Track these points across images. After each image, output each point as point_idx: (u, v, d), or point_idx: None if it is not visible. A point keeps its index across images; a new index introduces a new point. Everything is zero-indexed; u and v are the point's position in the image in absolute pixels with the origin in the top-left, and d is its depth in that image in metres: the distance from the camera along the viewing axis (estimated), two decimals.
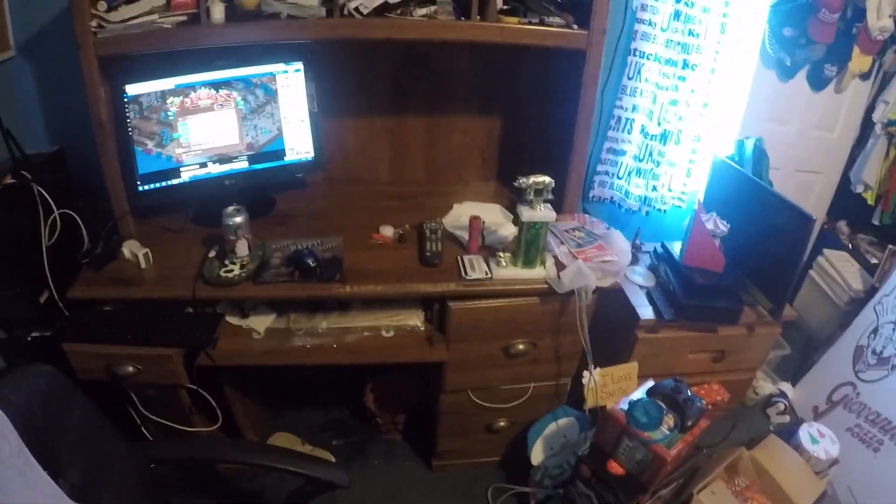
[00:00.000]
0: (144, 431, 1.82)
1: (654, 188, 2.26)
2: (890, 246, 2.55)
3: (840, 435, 2.21)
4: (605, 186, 2.32)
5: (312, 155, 1.99)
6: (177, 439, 1.75)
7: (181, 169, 1.83)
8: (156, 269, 1.70)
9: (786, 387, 2.58)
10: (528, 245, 1.66)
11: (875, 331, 2.37)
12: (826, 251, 2.78)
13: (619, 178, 2.29)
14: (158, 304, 1.66)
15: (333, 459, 2.09)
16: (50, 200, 1.68)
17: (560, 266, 1.68)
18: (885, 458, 2.17)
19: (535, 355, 1.85)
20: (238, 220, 1.66)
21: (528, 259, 1.68)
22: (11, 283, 1.70)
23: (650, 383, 1.70)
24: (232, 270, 1.66)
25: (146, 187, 1.78)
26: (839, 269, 2.68)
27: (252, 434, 2.09)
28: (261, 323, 1.76)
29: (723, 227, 1.99)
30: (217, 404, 1.80)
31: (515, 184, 1.60)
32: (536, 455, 2.01)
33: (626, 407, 1.62)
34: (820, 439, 2.05)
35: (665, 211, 2.32)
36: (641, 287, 2.05)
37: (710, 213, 2.01)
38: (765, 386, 2.57)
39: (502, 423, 2.05)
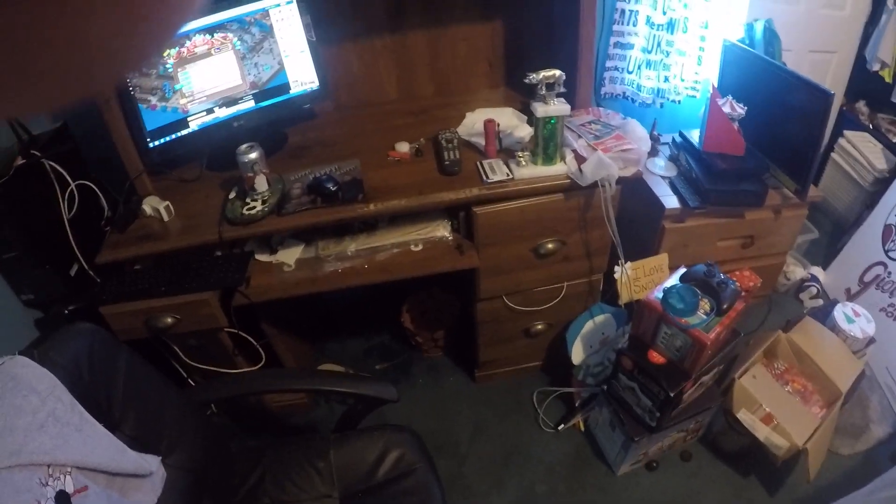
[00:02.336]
0: (191, 382, 1.85)
1: (666, 79, 2.21)
2: None
3: (874, 315, 2.20)
4: (616, 82, 2.27)
5: (317, 84, 1.96)
6: (224, 379, 1.77)
7: (188, 119, 1.81)
8: (179, 220, 1.69)
9: (817, 270, 2.57)
10: (546, 141, 1.63)
11: None
12: (847, 133, 2.73)
13: (629, 72, 2.24)
14: (187, 252, 1.66)
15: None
16: (64, 173, 1.68)
17: (580, 159, 1.65)
18: None
19: (565, 253, 1.84)
20: (253, 155, 1.65)
21: (548, 156, 1.66)
22: (40, 262, 1.70)
23: (682, 270, 1.69)
24: (254, 207, 1.65)
25: (156, 143, 1.76)
26: (861, 149, 2.63)
27: None
28: (290, 255, 1.77)
29: (739, 109, 1.95)
30: (258, 344, 1.83)
31: (526, 80, 1.56)
32: (577, 354, 2.03)
33: (661, 295, 1.62)
34: (855, 318, 2.04)
35: (679, 102, 2.27)
36: (663, 178, 2.02)
37: (725, 97, 1.96)
38: (796, 271, 2.56)
39: (540, 327, 2.07)
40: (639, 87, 2.26)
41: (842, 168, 2.70)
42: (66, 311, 1.79)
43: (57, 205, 1.68)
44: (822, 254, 2.65)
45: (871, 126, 2.73)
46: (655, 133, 2.12)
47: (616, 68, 2.26)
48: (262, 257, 1.77)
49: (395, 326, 2.31)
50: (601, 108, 1.90)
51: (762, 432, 1.80)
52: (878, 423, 2.15)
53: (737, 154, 1.97)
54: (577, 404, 2.10)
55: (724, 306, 1.60)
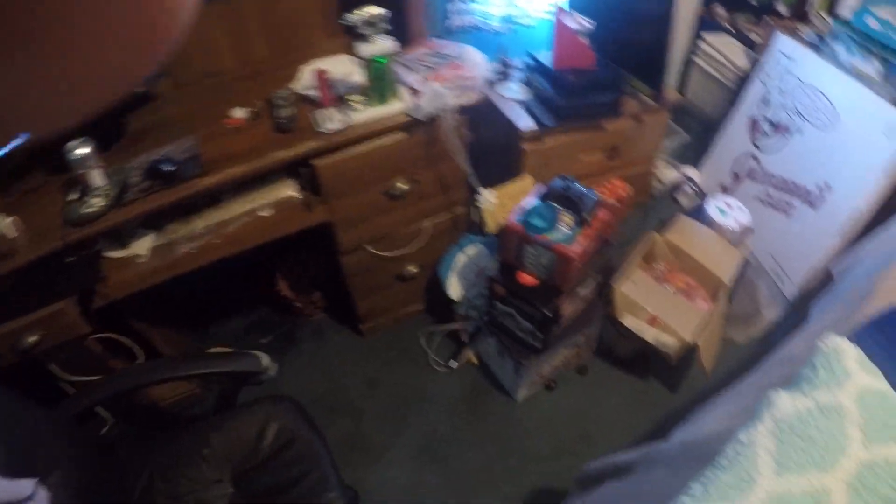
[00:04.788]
0: None
1: (515, 4, 2.17)
2: (765, 17, 2.53)
3: (751, 205, 2.26)
4: (464, 13, 2.21)
5: None
6: (89, 385, 1.68)
7: None
8: (27, 233, 1.56)
9: (691, 171, 2.60)
10: (378, 81, 1.57)
11: (765, 100, 2.39)
12: (707, 36, 2.75)
13: (475, 1, 2.18)
14: (38, 265, 1.54)
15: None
16: None
17: (417, 94, 1.60)
18: (798, 219, 2.21)
19: (419, 191, 1.80)
20: (83, 151, 1.53)
21: (382, 96, 1.60)
22: None
23: (540, 188, 1.67)
24: (93, 204, 1.54)
25: None
26: (722, 50, 2.66)
27: None
28: (143, 245, 1.68)
29: (586, 23, 1.93)
30: (133, 341, 1.75)
31: (342, 21, 1.50)
32: (454, 290, 2.00)
33: (521, 216, 1.60)
34: (728, 210, 2.07)
35: (533, 26, 2.24)
36: (518, 102, 1.99)
37: (570, 12, 1.94)
38: (669, 174, 2.59)
39: (413, 269, 2.03)
40: (488, 16, 2.21)
41: (705, 70, 2.72)
42: None
43: None
44: (694, 155, 2.68)
45: (730, 27, 2.76)
46: (507, 58, 2.08)
47: (460, 1, 2.19)
48: (116, 253, 1.67)
49: (273, 296, 2.22)
50: (438, 40, 1.85)
51: (650, 334, 1.82)
52: (769, 308, 2.21)
53: (588, 67, 1.95)
54: (464, 339, 2.08)
55: (586, 216, 1.59)
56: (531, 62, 2.06)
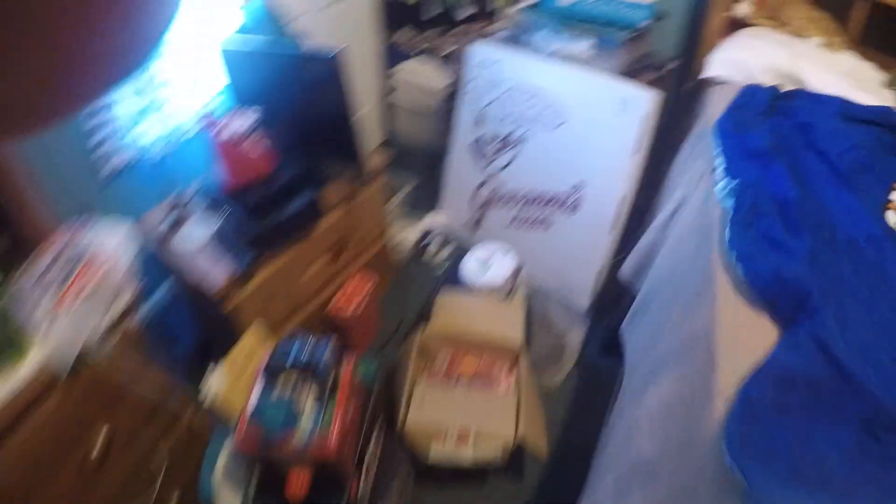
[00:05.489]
0: None
1: (166, 120, 1.76)
2: (451, 29, 2.37)
3: (508, 232, 2.09)
4: (116, 155, 1.69)
5: None
6: None
7: None
8: None
9: (431, 218, 2.37)
10: None
11: (479, 119, 2.20)
12: (397, 68, 2.50)
13: (125, 134, 1.70)
14: None
15: None
16: None
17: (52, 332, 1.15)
18: (561, 229, 2.08)
19: (125, 435, 1.31)
20: None
21: (10, 356, 1.10)
22: None
23: (263, 375, 1.31)
24: None
25: None
26: (418, 77, 2.44)
27: None
28: None
29: (247, 120, 1.58)
30: None
31: None
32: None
33: (254, 419, 1.23)
34: (488, 261, 1.86)
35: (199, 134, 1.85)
36: (203, 248, 1.60)
37: (224, 115, 1.58)
38: (409, 235, 2.33)
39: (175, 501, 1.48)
40: (144, 145, 1.75)
41: (410, 103, 2.48)
42: None
43: None
44: (433, 192, 2.43)
45: (418, 50, 2.52)
46: (176, 195, 1.69)
47: (108, 138, 1.68)
48: None
49: None
50: (67, 231, 1.34)
51: (466, 456, 1.53)
52: (571, 330, 2.05)
53: (266, 172, 1.62)
54: None
55: (330, 384, 1.29)
56: (206, 189, 1.69)
